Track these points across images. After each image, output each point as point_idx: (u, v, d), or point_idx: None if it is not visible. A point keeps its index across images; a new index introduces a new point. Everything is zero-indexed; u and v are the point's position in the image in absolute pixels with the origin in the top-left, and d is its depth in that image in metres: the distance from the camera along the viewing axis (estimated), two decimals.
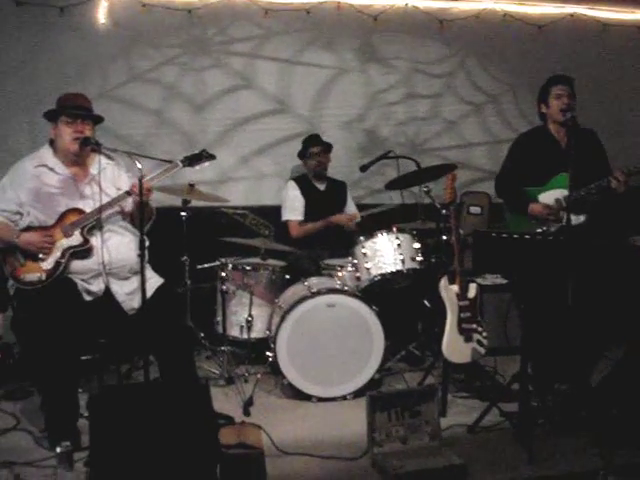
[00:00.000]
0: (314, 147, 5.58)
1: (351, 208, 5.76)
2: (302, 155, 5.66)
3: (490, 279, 5.20)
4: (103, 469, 2.92)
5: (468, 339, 4.10)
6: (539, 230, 4.39)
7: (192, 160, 4.08)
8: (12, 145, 5.33)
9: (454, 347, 4.09)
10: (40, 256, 3.74)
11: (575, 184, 4.09)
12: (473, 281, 4.26)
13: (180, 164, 4.02)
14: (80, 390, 3.83)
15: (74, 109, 3.87)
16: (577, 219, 4.25)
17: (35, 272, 3.72)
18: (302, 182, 5.61)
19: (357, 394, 4.31)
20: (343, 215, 5.54)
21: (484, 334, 4.14)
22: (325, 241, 5.35)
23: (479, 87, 6.45)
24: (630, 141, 6.53)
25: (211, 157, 4.15)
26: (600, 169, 4.35)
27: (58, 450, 3.31)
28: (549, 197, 4.44)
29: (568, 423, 3.81)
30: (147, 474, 2.89)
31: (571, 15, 6.43)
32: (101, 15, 5.57)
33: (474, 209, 6.23)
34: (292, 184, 5.60)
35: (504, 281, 5.03)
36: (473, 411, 3.96)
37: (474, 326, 4.13)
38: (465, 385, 4.48)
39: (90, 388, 4.05)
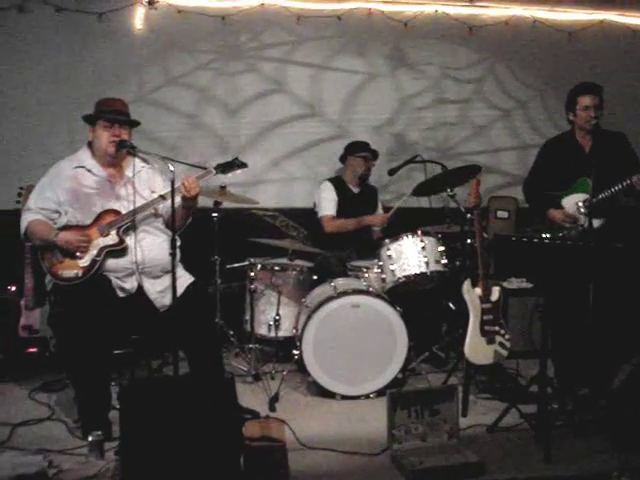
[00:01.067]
0: (365, 152, 5.66)
1: (380, 213, 5.85)
2: (349, 154, 5.70)
3: (515, 283, 5.25)
4: (132, 458, 3.05)
5: (490, 341, 4.17)
6: (560, 234, 4.44)
7: (225, 168, 4.18)
8: (51, 147, 5.48)
9: (476, 349, 4.16)
10: (77, 254, 3.87)
11: (598, 188, 4.15)
12: (497, 284, 4.34)
13: (213, 171, 4.13)
14: (112, 383, 3.98)
15: (112, 114, 4.01)
16: (595, 222, 4.28)
17: (72, 269, 3.86)
18: (337, 183, 5.69)
19: (380, 393, 4.38)
20: (377, 215, 5.63)
21: (506, 337, 4.20)
22: (352, 243, 5.44)
23: (508, 93, 6.48)
24: None
25: (243, 165, 4.25)
26: (629, 171, 4.29)
27: (90, 439, 3.46)
28: (571, 201, 4.49)
29: (586, 425, 3.87)
30: (174, 463, 3.02)
31: (601, 22, 6.43)
32: (138, 21, 5.73)
33: (501, 213, 6.28)
34: (327, 184, 5.68)
35: (529, 285, 5.09)
36: (494, 412, 4.01)
37: (496, 328, 4.19)
38: (487, 386, 4.54)
39: (122, 381, 4.18)
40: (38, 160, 5.25)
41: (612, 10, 6.39)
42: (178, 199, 3.84)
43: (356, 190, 5.74)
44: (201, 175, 4.07)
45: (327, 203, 5.61)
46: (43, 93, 5.65)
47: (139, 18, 5.69)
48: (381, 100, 6.30)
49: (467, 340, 4.16)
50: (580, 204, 4.39)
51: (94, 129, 4.04)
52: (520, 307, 5.14)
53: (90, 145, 4.10)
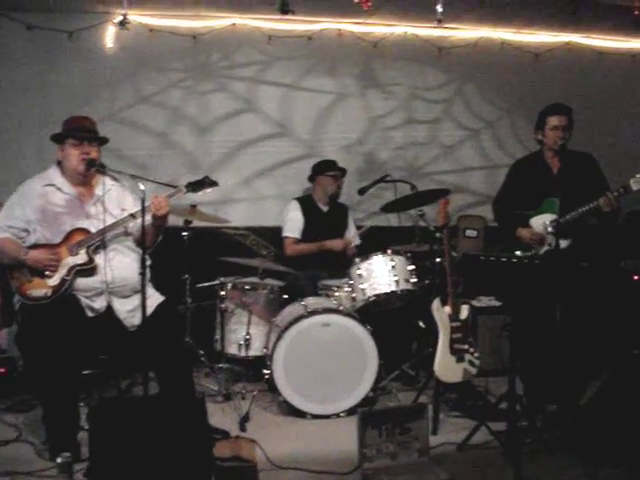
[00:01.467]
0: (335, 171, 5.70)
1: (352, 231, 5.87)
2: (318, 174, 5.73)
3: (484, 301, 5.32)
4: (101, 479, 3.02)
5: (460, 359, 4.21)
6: (527, 253, 4.50)
7: (195, 186, 4.19)
8: (21, 166, 5.43)
9: (446, 367, 4.20)
10: (46, 273, 3.85)
11: (566, 208, 4.22)
12: (466, 303, 4.38)
13: (184, 189, 4.13)
14: (81, 404, 3.93)
15: (80, 131, 4.00)
16: (562, 243, 4.35)
17: (41, 288, 3.83)
18: (305, 203, 5.72)
19: (351, 412, 4.39)
20: (338, 241, 5.63)
21: (476, 355, 4.25)
22: (323, 262, 5.45)
23: (476, 113, 6.59)
24: (627, 166, 6.60)
25: (214, 184, 4.26)
26: (596, 192, 4.33)
27: (58, 461, 3.37)
28: (539, 221, 4.53)
29: (555, 442, 3.91)
30: None
31: (567, 43, 6.58)
32: (108, 40, 5.72)
33: (470, 232, 6.35)
34: (294, 204, 5.71)
35: (498, 303, 5.15)
36: (464, 430, 4.03)
37: (466, 347, 4.24)
38: (457, 404, 4.56)
39: (90, 402, 4.13)
40: (7, 178, 5.19)
41: (578, 32, 6.54)
42: (148, 217, 3.83)
43: (325, 209, 5.76)
44: (171, 194, 4.06)
45: (291, 225, 5.64)
46: (13, 111, 5.60)
47: (110, 37, 5.68)
48: (351, 120, 6.36)
49: (437, 358, 4.19)
50: (547, 224, 4.44)
51: (63, 148, 4.03)
52: (489, 325, 5.23)
53: (59, 164, 4.08)
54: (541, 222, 4.51)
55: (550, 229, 4.39)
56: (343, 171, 5.76)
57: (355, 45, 6.22)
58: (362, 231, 5.60)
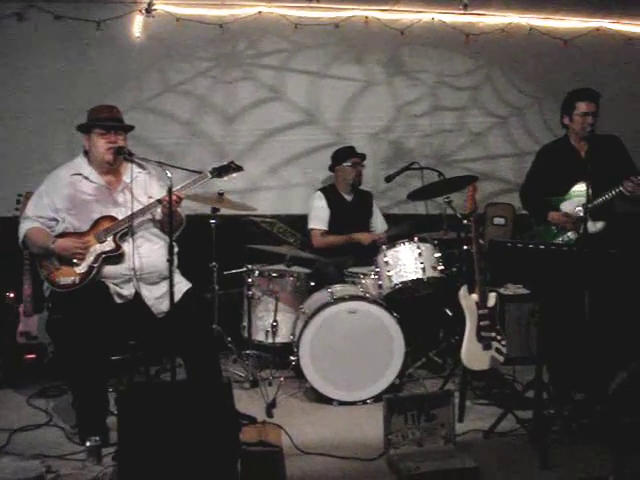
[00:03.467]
0: (354, 157, 5.69)
1: (377, 218, 5.87)
2: (337, 164, 5.73)
3: (512, 289, 5.28)
4: (130, 463, 3.07)
5: (487, 347, 4.19)
6: (558, 240, 4.47)
7: (220, 171, 4.20)
8: (50, 155, 5.49)
9: (473, 355, 4.19)
10: (74, 261, 3.90)
11: (595, 193, 4.18)
12: (493, 290, 4.36)
13: (209, 175, 4.15)
14: (110, 389, 4.01)
15: (106, 121, 4.03)
16: (594, 226, 4.31)
17: (69, 276, 3.89)
18: (329, 193, 5.72)
19: (377, 399, 4.38)
20: (367, 234, 5.59)
21: (503, 342, 4.22)
22: (349, 249, 5.46)
23: (504, 100, 6.52)
24: None
25: (239, 168, 4.28)
26: (624, 175, 4.30)
27: (87, 444, 3.47)
28: (569, 206, 4.52)
29: (582, 431, 3.88)
30: (171, 468, 3.03)
31: (597, 29, 6.48)
32: (136, 29, 5.76)
33: (498, 220, 6.30)
34: (319, 194, 5.71)
35: (526, 291, 5.11)
36: (491, 417, 4.02)
37: (493, 334, 4.21)
38: (484, 392, 4.56)
39: (119, 387, 4.19)
40: (37, 167, 5.27)
41: (607, 17, 6.43)
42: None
43: (349, 197, 5.76)
44: (196, 179, 4.09)
45: (317, 216, 5.64)
46: (42, 100, 5.66)
47: (137, 26, 5.72)
48: (378, 107, 6.33)
49: (464, 346, 4.18)
50: (578, 209, 4.41)
51: (89, 137, 4.06)
52: (516, 313, 5.19)
53: (86, 153, 4.12)
54: (573, 207, 4.48)
55: (581, 214, 4.35)
56: (362, 156, 5.74)
57: (382, 32, 6.18)
58: (382, 239, 5.50)
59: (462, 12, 6.02)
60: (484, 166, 6.47)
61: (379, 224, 5.83)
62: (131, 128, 4.17)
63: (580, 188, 4.38)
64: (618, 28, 6.53)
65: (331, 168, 5.81)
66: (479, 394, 4.56)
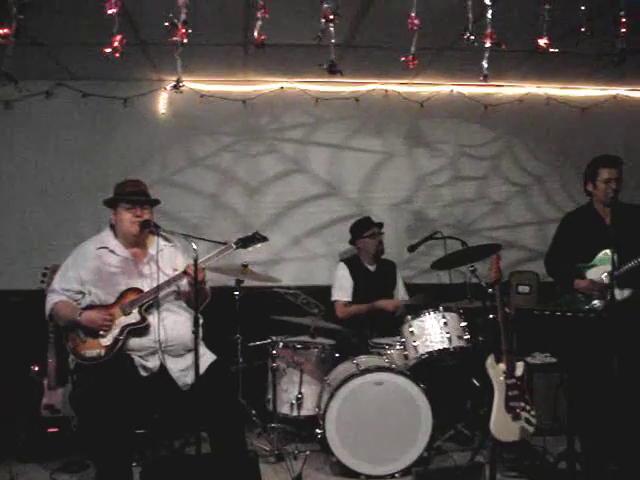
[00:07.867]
0: (374, 227, 5.71)
1: (400, 288, 5.85)
2: (357, 238, 5.74)
3: (539, 358, 5.21)
4: None
5: (516, 417, 4.12)
6: (585, 307, 4.42)
7: (245, 242, 4.25)
8: (77, 229, 5.60)
9: (502, 425, 4.11)
10: (100, 333, 3.90)
11: (620, 260, 4.15)
12: (521, 359, 4.30)
13: (234, 246, 4.19)
14: (134, 463, 3.93)
15: (132, 195, 4.10)
16: (621, 294, 4.27)
17: (95, 348, 3.88)
18: (352, 263, 5.72)
19: (405, 472, 4.32)
20: (389, 301, 5.56)
21: (532, 412, 4.15)
22: (374, 320, 5.42)
23: (525, 168, 6.57)
24: None
25: (264, 239, 4.33)
26: None
27: None
28: (596, 273, 4.48)
29: None
30: None
31: (614, 97, 6.55)
32: (161, 105, 5.95)
33: (522, 288, 6.26)
34: (342, 265, 5.72)
35: (553, 360, 5.04)
36: None
37: (522, 404, 4.14)
38: (514, 464, 4.45)
39: (143, 462, 4.12)
40: (63, 241, 5.37)
41: (624, 86, 6.48)
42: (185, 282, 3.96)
43: (372, 268, 5.75)
44: (222, 250, 4.13)
45: (341, 288, 5.63)
46: (69, 175, 5.82)
47: (163, 102, 5.91)
48: (399, 178, 6.41)
49: (493, 416, 4.11)
50: (604, 276, 4.38)
51: (116, 211, 4.13)
52: (545, 382, 5.10)
53: (112, 227, 4.18)
54: (599, 274, 4.45)
55: (607, 281, 4.31)
56: (380, 225, 5.76)
57: (402, 105, 6.30)
58: (400, 312, 5.47)
59: (480, 84, 6.11)
60: (506, 234, 6.48)
61: (401, 294, 5.81)
62: (157, 202, 4.23)
63: (606, 255, 4.36)
64: (635, 95, 6.59)
65: (351, 242, 5.83)
66: (509, 466, 4.45)
